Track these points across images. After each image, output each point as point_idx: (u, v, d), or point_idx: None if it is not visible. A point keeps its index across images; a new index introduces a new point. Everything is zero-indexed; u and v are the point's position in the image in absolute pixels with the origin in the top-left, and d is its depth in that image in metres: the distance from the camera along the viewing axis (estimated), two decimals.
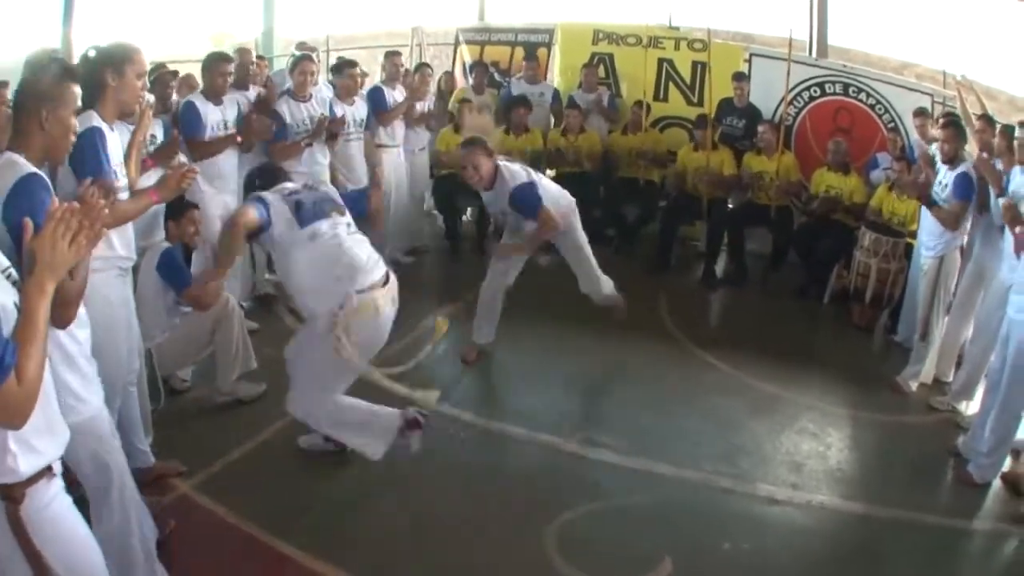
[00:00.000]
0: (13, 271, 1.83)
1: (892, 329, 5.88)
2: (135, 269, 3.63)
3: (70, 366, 2.42)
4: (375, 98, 6.43)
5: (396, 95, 6.61)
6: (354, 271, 3.51)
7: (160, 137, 4.62)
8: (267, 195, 3.63)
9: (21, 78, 2.47)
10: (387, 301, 3.59)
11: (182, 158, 4.63)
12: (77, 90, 2.42)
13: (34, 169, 2.26)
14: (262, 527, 3.44)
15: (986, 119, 5.25)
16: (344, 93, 6.07)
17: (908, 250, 5.75)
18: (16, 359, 1.64)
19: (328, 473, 3.87)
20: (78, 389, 2.45)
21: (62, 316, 2.18)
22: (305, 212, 3.54)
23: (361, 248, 3.63)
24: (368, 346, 3.60)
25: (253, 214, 3.45)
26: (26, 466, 1.84)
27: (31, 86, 2.36)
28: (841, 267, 6.44)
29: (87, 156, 2.86)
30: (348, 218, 3.71)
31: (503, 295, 5.12)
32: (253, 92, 5.72)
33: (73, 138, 2.44)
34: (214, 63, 5.07)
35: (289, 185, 3.78)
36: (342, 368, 3.56)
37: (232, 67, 5.22)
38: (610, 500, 3.79)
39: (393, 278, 3.69)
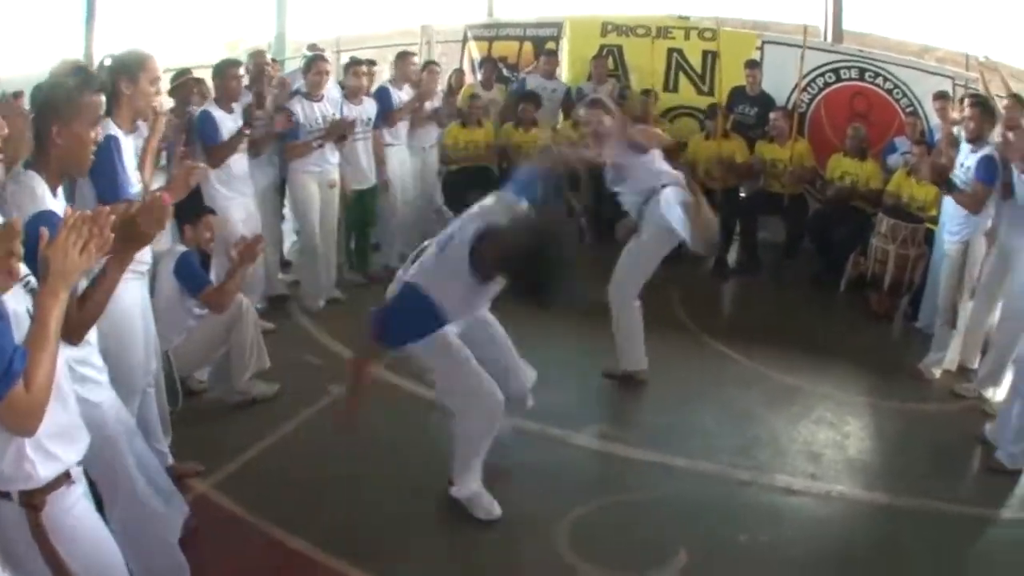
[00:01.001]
0: (32, 279, 1.86)
1: (913, 316, 5.76)
2: (152, 273, 3.69)
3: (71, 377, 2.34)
4: (382, 98, 6.38)
5: (403, 95, 6.58)
6: None
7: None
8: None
9: (33, 93, 2.45)
10: None
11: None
12: (97, 100, 2.41)
13: (49, 206, 2.27)
14: (279, 525, 3.43)
15: (1015, 98, 5.11)
16: (351, 93, 6.05)
17: (928, 235, 5.62)
18: (25, 365, 1.67)
19: (343, 471, 3.85)
20: (83, 394, 2.40)
21: (68, 334, 2.16)
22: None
23: None
24: None
25: None
26: (45, 471, 1.87)
27: (42, 101, 2.36)
28: (857, 254, 6.29)
29: (104, 165, 2.86)
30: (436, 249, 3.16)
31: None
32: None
33: (93, 149, 2.42)
34: (226, 68, 5.12)
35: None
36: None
37: (242, 71, 5.26)
38: (624, 494, 3.73)
39: None
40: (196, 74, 5.77)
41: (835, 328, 5.92)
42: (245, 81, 5.52)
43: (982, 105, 4.80)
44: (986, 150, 4.65)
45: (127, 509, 2.66)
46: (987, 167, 4.60)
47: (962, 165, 4.82)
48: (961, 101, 5.61)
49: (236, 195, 5.11)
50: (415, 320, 3.02)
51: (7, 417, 1.69)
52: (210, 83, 5.35)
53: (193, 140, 5.07)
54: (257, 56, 6.22)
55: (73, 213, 1.79)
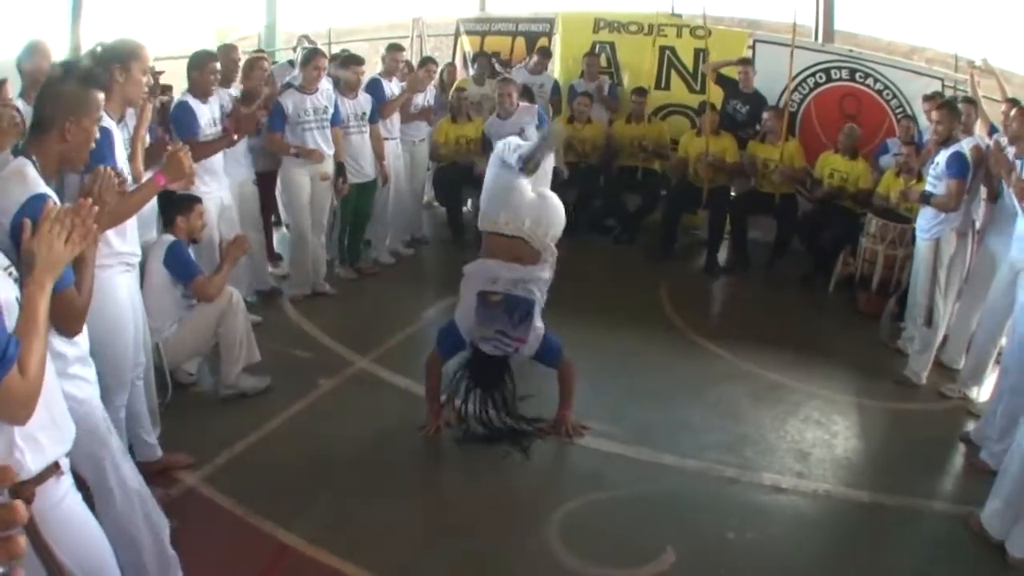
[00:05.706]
0: (13, 269, 1.89)
1: (900, 316, 5.75)
2: (142, 265, 3.64)
3: (60, 374, 2.31)
4: (374, 90, 6.35)
5: (394, 87, 6.57)
6: None
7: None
8: None
9: (43, 84, 2.44)
10: None
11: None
12: (101, 97, 2.43)
13: (43, 189, 2.23)
14: (269, 518, 3.43)
15: (1012, 103, 5.10)
16: (347, 88, 6.02)
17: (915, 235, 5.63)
18: (19, 352, 1.69)
19: (332, 465, 3.86)
20: (71, 391, 2.37)
21: (70, 328, 2.25)
22: None
23: None
24: None
25: None
26: (33, 463, 1.88)
27: (53, 94, 2.35)
28: (846, 254, 6.33)
29: (96, 158, 2.80)
30: None
31: None
32: (235, 89, 5.64)
33: (93, 145, 2.43)
34: (203, 61, 5.02)
35: None
36: None
37: (218, 64, 5.16)
38: (613, 490, 3.73)
39: None
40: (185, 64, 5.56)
41: (824, 327, 5.96)
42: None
43: (948, 107, 4.91)
44: (954, 147, 4.71)
45: (117, 505, 2.64)
46: (957, 163, 4.67)
47: (935, 163, 4.87)
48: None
49: (211, 189, 4.99)
50: None
51: (3, 404, 1.70)
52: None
53: (169, 129, 4.97)
54: (228, 51, 5.94)
55: (55, 206, 1.85)
